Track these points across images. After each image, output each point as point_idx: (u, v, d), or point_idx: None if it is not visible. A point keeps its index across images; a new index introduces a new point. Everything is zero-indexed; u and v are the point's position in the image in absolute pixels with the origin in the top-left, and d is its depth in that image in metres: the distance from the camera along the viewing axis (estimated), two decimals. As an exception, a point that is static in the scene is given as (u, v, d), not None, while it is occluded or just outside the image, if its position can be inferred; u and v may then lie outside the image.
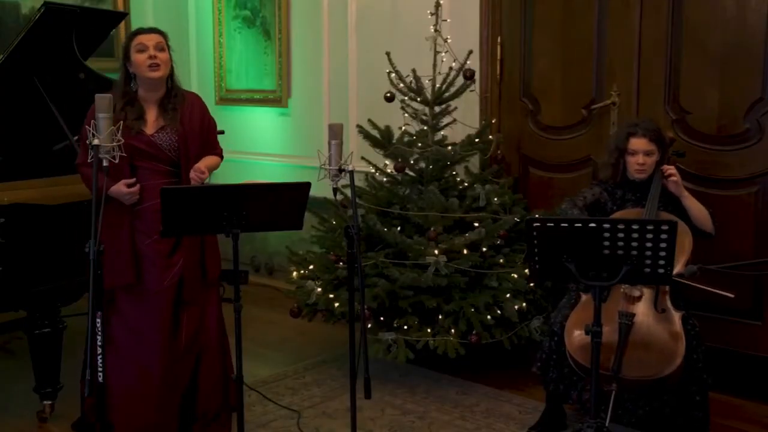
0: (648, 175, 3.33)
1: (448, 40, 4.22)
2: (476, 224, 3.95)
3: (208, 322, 3.22)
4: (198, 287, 3.17)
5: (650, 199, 3.25)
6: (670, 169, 3.31)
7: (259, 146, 5.75)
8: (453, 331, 3.73)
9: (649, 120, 3.52)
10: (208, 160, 3.22)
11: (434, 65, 4.19)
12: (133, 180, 3.03)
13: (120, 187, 3.00)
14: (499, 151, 4.46)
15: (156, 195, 3.05)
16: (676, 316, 3.05)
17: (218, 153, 3.33)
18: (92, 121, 2.64)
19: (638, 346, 2.98)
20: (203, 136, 3.21)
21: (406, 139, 4.21)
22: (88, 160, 2.78)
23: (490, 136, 4.40)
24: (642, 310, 3.06)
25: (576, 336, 3.06)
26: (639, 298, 3.09)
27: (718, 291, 3.02)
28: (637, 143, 3.30)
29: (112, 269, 3.00)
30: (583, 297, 3.19)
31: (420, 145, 4.13)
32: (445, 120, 4.23)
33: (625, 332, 2.98)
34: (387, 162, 4.28)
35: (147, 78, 3.05)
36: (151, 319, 3.08)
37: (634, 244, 2.49)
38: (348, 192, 2.85)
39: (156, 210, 3.05)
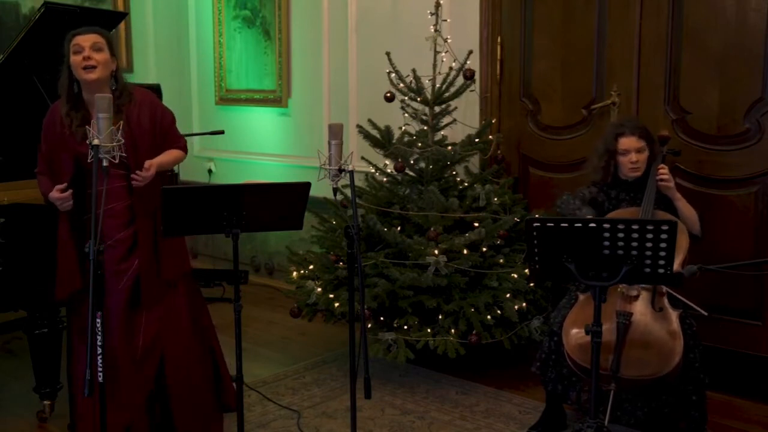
0: (642, 172, 3.34)
1: (448, 40, 4.23)
2: (476, 224, 3.95)
3: (174, 322, 3.14)
4: (155, 289, 3.09)
5: (646, 199, 3.26)
6: (663, 173, 3.31)
7: (259, 146, 5.75)
8: (453, 331, 3.73)
9: (633, 118, 3.56)
10: (167, 156, 3.13)
11: (434, 65, 4.19)
12: (64, 186, 2.95)
13: (53, 193, 2.95)
14: (499, 151, 4.46)
15: (110, 199, 2.98)
16: (674, 315, 3.05)
17: (181, 146, 3.22)
18: (92, 121, 2.64)
19: (636, 346, 2.99)
20: (156, 134, 3.12)
21: (406, 139, 4.21)
22: (89, 160, 2.77)
23: (490, 136, 4.40)
24: (639, 310, 3.06)
25: (573, 335, 3.06)
26: (636, 298, 3.09)
27: (693, 305, 3.06)
28: (627, 142, 3.32)
29: (65, 277, 2.99)
30: (581, 297, 3.19)
31: (420, 145, 4.13)
32: (445, 120, 4.23)
33: (622, 332, 2.98)
34: (387, 162, 4.28)
35: (83, 80, 2.98)
36: (107, 322, 2.96)
37: (634, 244, 2.49)
38: (348, 192, 2.85)
39: (110, 215, 3.01)
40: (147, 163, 3.00)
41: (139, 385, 3.10)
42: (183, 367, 3.17)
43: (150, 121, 3.10)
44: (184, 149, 3.26)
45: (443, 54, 4.23)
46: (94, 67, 2.95)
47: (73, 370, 3.13)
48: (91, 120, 2.74)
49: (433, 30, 4.19)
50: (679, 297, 3.11)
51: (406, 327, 3.82)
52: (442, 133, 4.25)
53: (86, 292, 2.96)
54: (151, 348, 3.11)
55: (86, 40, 2.98)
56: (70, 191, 2.96)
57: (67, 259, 3.02)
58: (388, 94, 4.24)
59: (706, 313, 3.05)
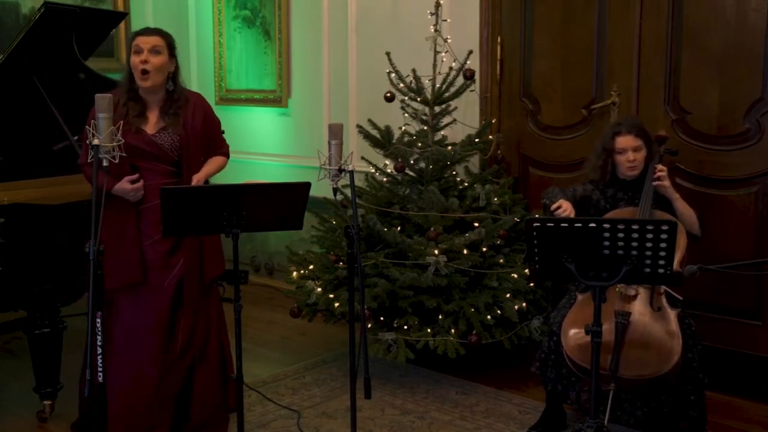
0: (639, 171, 3.34)
1: (448, 40, 4.23)
2: (476, 224, 3.95)
3: (204, 324, 3.21)
4: (196, 289, 3.16)
5: (644, 198, 3.26)
6: (660, 173, 3.31)
7: (259, 146, 5.75)
8: (453, 331, 3.73)
9: (632, 117, 3.55)
10: (212, 165, 3.22)
11: (434, 65, 4.19)
12: (136, 176, 3.03)
13: (124, 185, 3.00)
14: (499, 151, 4.46)
15: (157, 195, 3.06)
16: (672, 314, 3.05)
17: (224, 152, 3.34)
18: (92, 121, 2.64)
19: (635, 345, 2.99)
20: (206, 137, 3.21)
21: (406, 139, 4.21)
22: (88, 160, 2.78)
23: (490, 136, 4.40)
24: (638, 309, 3.06)
25: (572, 336, 3.06)
26: (635, 297, 3.09)
27: (670, 290, 3.07)
28: (624, 141, 3.32)
29: (120, 269, 3.01)
30: (579, 297, 3.19)
31: (420, 145, 4.13)
32: (445, 120, 4.23)
33: (621, 331, 2.98)
34: (387, 162, 4.28)
35: (138, 85, 3.05)
36: (149, 319, 3.08)
37: (634, 244, 2.49)
38: (348, 192, 2.85)
39: (157, 210, 3.06)
40: (194, 180, 3.10)
41: (170, 385, 3.14)
42: (209, 369, 3.22)
43: (202, 124, 3.18)
44: (227, 155, 3.35)
45: (443, 54, 4.23)
46: (147, 72, 3.01)
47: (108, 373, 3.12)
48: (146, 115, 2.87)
49: (433, 30, 4.19)
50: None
51: (406, 327, 3.82)
52: (442, 133, 4.25)
53: (142, 285, 3.05)
54: (186, 349, 3.16)
55: (146, 42, 3.04)
56: (142, 181, 3.03)
57: (128, 249, 3.02)
58: (388, 94, 4.24)
59: (680, 298, 3.08)
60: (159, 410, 3.12)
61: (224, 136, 5.66)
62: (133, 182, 3.01)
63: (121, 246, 3.01)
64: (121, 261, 3.00)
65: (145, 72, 3.02)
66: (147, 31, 3.10)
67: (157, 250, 3.08)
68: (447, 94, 4.16)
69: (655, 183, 3.30)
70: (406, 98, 4.20)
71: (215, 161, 3.26)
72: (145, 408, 3.09)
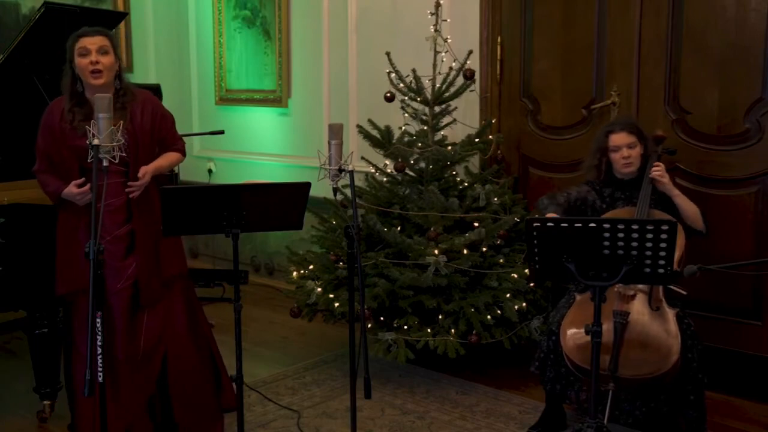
0: (636, 168, 3.34)
1: (448, 40, 4.23)
2: (476, 224, 3.95)
3: (173, 323, 3.16)
4: (155, 289, 3.10)
5: (642, 198, 3.26)
6: (657, 170, 3.30)
7: (259, 146, 5.75)
8: (453, 331, 3.73)
9: (625, 116, 3.59)
10: (164, 159, 3.16)
11: (434, 65, 4.19)
12: (82, 180, 2.98)
13: (71, 189, 2.98)
14: (499, 151, 4.46)
15: (108, 195, 2.99)
16: (671, 314, 3.05)
17: (178, 148, 3.26)
18: (92, 121, 2.64)
19: (634, 345, 2.99)
20: (156, 133, 3.15)
21: (406, 139, 4.21)
22: (89, 160, 2.77)
23: (490, 136, 4.40)
24: (637, 309, 3.06)
25: (571, 336, 3.07)
26: (633, 297, 3.09)
27: (674, 287, 3.05)
28: (617, 138, 3.33)
29: (71, 273, 2.99)
30: (578, 297, 3.19)
31: (420, 145, 4.13)
32: (445, 120, 4.23)
33: (620, 331, 2.98)
34: (387, 162, 4.28)
35: (89, 84, 3.00)
36: (109, 322, 3.01)
37: (634, 244, 2.49)
38: (348, 192, 2.85)
39: (109, 210, 3.02)
40: (141, 171, 3.04)
41: (140, 386, 3.10)
42: (184, 368, 3.18)
43: (151, 121, 3.13)
44: (182, 151, 3.28)
45: (443, 54, 4.23)
46: (100, 71, 2.98)
47: (74, 369, 3.13)
48: (92, 119, 2.75)
49: (433, 30, 4.19)
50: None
51: (406, 327, 3.82)
52: (442, 133, 4.25)
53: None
54: (154, 349, 3.12)
55: (93, 43, 2.99)
56: (88, 185, 2.98)
57: (78, 253, 2.96)
58: (388, 94, 4.24)
59: (684, 293, 3.06)
60: (133, 411, 3.07)
61: (224, 136, 5.70)
62: (79, 186, 2.97)
63: (72, 249, 2.98)
64: (74, 265, 2.97)
65: (96, 72, 2.97)
66: (90, 32, 3.03)
67: (110, 251, 3.00)
68: (447, 94, 4.16)
69: (652, 175, 3.29)
70: (406, 98, 4.20)
71: (168, 156, 3.19)
72: (117, 408, 3.03)
